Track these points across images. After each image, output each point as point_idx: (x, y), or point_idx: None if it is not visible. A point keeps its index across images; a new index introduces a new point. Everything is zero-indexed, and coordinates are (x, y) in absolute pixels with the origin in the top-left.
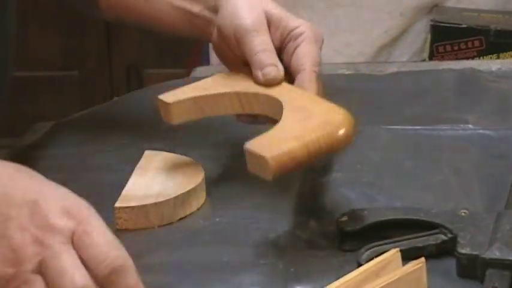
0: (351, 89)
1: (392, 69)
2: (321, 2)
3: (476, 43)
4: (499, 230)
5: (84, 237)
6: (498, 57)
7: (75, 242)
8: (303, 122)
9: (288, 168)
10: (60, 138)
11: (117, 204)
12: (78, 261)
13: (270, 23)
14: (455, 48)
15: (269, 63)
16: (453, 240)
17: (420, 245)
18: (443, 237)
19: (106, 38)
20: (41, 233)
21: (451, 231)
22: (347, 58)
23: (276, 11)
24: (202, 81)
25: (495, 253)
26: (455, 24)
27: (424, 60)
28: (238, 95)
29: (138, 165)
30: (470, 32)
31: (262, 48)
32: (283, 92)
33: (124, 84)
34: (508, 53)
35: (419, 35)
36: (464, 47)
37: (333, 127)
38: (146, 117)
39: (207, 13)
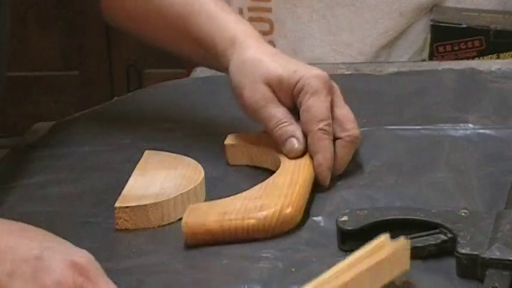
0: (351, 89)
1: (393, 69)
2: (321, 2)
3: (476, 43)
4: (499, 230)
5: None
6: (498, 57)
7: None
8: (246, 201)
9: (203, 239)
10: (60, 138)
11: (117, 204)
12: None
13: (273, 88)
14: (455, 48)
15: (288, 136)
16: (453, 240)
17: (420, 245)
18: (443, 237)
19: (106, 38)
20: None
21: (451, 231)
22: (347, 58)
23: (273, 72)
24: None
25: (495, 253)
26: (455, 24)
27: (424, 60)
28: (275, 157)
29: (138, 165)
30: (470, 32)
31: (283, 119)
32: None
33: (124, 84)
34: (508, 53)
35: (419, 35)
36: (464, 47)
37: (260, 214)
38: (146, 117)
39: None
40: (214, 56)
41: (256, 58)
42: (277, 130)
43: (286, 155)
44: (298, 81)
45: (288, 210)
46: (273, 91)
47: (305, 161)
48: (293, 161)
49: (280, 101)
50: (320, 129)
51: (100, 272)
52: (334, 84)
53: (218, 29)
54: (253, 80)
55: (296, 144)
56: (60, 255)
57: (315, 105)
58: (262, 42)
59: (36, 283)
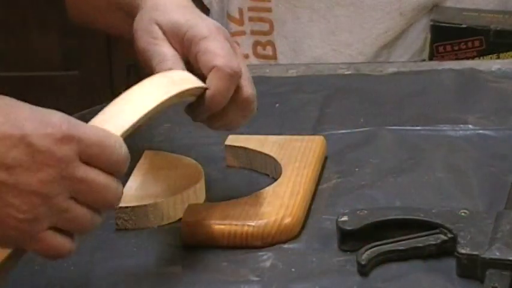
0: (351, 89)
1: (393, 69)
2: (321, 2)
3: (476, 43)
4: (499, 230)
5: (90, 150)
6: (498, 57)
7: (84, 158)
8: (247, 206)
9: (201, 241)
10: None
11: None
12: (101, 172)
13: (165, 31)
14: (455, 48)
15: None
16: (453, 240)
17: (420, 245)
18: (443, 237)
19: (106, 38)
20: (52, 169)
21: (451, 231)
22: (347, 58)
23: (166, 16)
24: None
25: (495, 253)
26: (455, 24)
27: (424, 60)
28: (275, 164)
29: (138, 165)
30: (470, 32)
31: (160, 60)
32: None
33: (124, 84)
34: (508, 53)
35: (419, 35)
36: (464, 47)
37: (260, 222)
38: None
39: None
40: (133, 13)
41: (155, 4)
42: (159, 66)
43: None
44: (190, 28)
45: (288, 220)
46: (166, 36)
47: (307, 170)
48: (295, 170)
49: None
50: (224, 65)
51: (80, 126)
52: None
53: None
54: (147, 22)
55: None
56: (41, 131)
57: (213, 45)
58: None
59: (40, 167)
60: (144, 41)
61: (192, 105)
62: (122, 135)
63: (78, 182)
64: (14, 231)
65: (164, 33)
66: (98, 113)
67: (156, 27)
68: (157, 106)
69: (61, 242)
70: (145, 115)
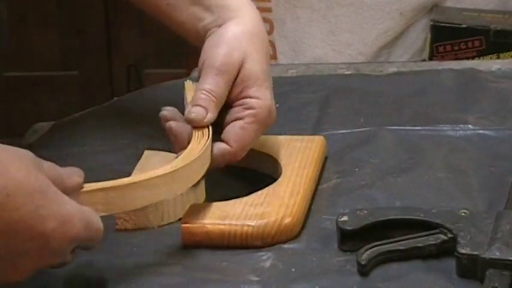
0: (351, 89)
1: (393, 69)
2: (321, 2)
3: (476, 43)
4: (499, 230)
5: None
6: (498, 57)
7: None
8: (247, 206)
9: (201, 241)
10: (60, 138)
11: None
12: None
13: (238, 74)
14: (455, 48)
15: (200, 104)
16: (453, 240)
17: (420, 245)
18: (443, 237)
19: (106, 38)
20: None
21: (451, 231)
22: (347, 58)
23: (252, 66)
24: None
25: (495, 253)
26: (455, 24)
27: (424, 60)
28: (276, 164)
29: (138, 165)
30: (470, 32)
31: (206, 88)
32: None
33: (124, 84)
34: (508, 53)
35: (419, 35)
36: (464, 47)
37: (260, 222)
38: (146, 117)
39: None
40: (204, 26)
41: (229, 30)
42: (201, 94)
43: (186, 116)
44: (252, 97)
45: (288, 220)
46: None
47: (307, 170)
48: (295, 170)
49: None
50: (235, 151)
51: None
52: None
53: None
54: (214, 44)
55: (207, 118)
56: (61, 234)
57: (248, 133)
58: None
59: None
60: (202, 62)
61: None
62: None
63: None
64: None
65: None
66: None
67: (221, 55)
68: None
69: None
70: None
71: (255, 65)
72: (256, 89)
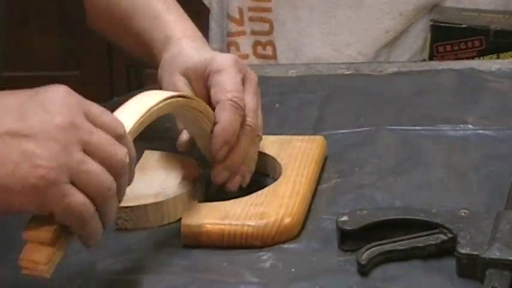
0: (351, 89)
1: (392, 69)
2: (321, 2)
3: (476, 43)
4: (499, 230)
5: (94, 111)
6: (498, 57)
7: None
8: (247, 206)
9: (201, 241)
10: None
11: None
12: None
13: (190, 77)
14: (455, 48)
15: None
16: (453, 240)
17: (420, 245)
18: (443, 237)
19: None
20: (64, 117)
21: (451, 231)
22: (347, 58)
23: (188, 61)
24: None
25: (495, 253)
26: (455, 24)
27: (424, 60)
28: (276, 164)
29: (138, 165)
30: (470, 32)
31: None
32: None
33: (124, 84)
34: (508, 53)
35: (419, 35)
36: (464, 47)
37: (260, 222)
38: None
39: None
40: (151, 56)
41: (177, 51)
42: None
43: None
44: (208, 64)
45: (288, 220)
46: (190, 81)
47: (307, 170)
48: (295, 170)
49: (196, 93)
50: (228, 99)
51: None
52: (249, 69)
53: (157, 29)
54: (171, 72)
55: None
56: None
57: (223, 79)
58: (198, 39)
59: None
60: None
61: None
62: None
63: (88, 133)
64: (41, 181)
65: (190, 79)
66: None
67: (181, 78)
68: (155, 108)
69: (85, 201)
70: (145, 114)
71: (192, 56)
72: (209, 65)
